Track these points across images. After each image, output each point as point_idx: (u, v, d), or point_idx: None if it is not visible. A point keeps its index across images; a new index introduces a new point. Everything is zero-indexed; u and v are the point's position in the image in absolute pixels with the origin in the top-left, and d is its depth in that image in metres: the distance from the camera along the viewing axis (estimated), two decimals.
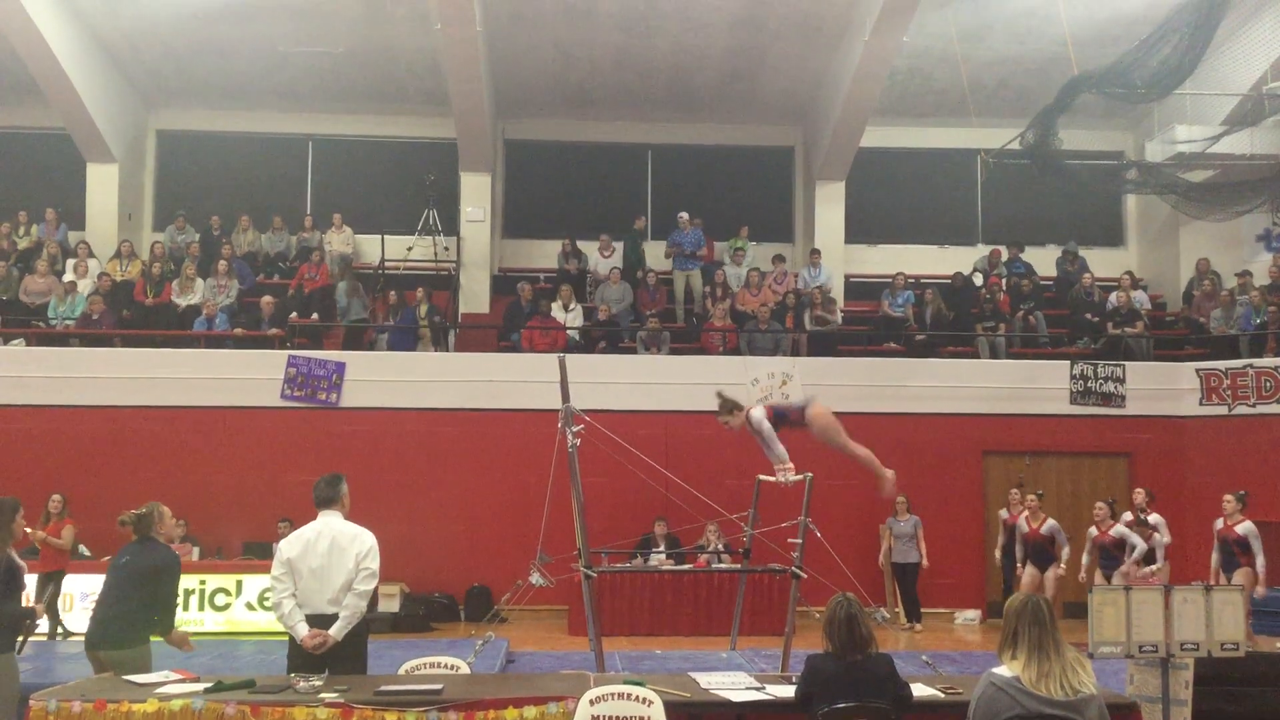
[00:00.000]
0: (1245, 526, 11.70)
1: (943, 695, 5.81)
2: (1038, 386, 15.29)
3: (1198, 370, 15.37)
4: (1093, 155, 17.58)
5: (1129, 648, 6.25)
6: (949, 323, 16.49)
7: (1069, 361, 15.50)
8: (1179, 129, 16.08)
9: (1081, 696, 4.54)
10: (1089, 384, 15.30)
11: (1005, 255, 17.79)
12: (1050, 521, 12.75)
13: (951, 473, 15.04)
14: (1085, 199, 18.00)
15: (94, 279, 16.19)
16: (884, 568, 14.27)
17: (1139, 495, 12.93)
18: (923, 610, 14.12)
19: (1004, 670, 4.65)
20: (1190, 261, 17.44)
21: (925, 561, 14.06)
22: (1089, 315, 16.53)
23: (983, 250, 18.28)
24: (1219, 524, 11.97)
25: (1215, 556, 11.98)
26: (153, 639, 6.62)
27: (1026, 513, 12.93)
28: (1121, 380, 15.31)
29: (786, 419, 8.64)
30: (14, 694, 6.15)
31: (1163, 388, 15.42)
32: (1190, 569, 13.59)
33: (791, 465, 8.58)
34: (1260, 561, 11.59)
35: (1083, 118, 15.92)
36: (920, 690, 5.75)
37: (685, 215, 17.44)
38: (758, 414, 8.56)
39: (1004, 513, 13.92)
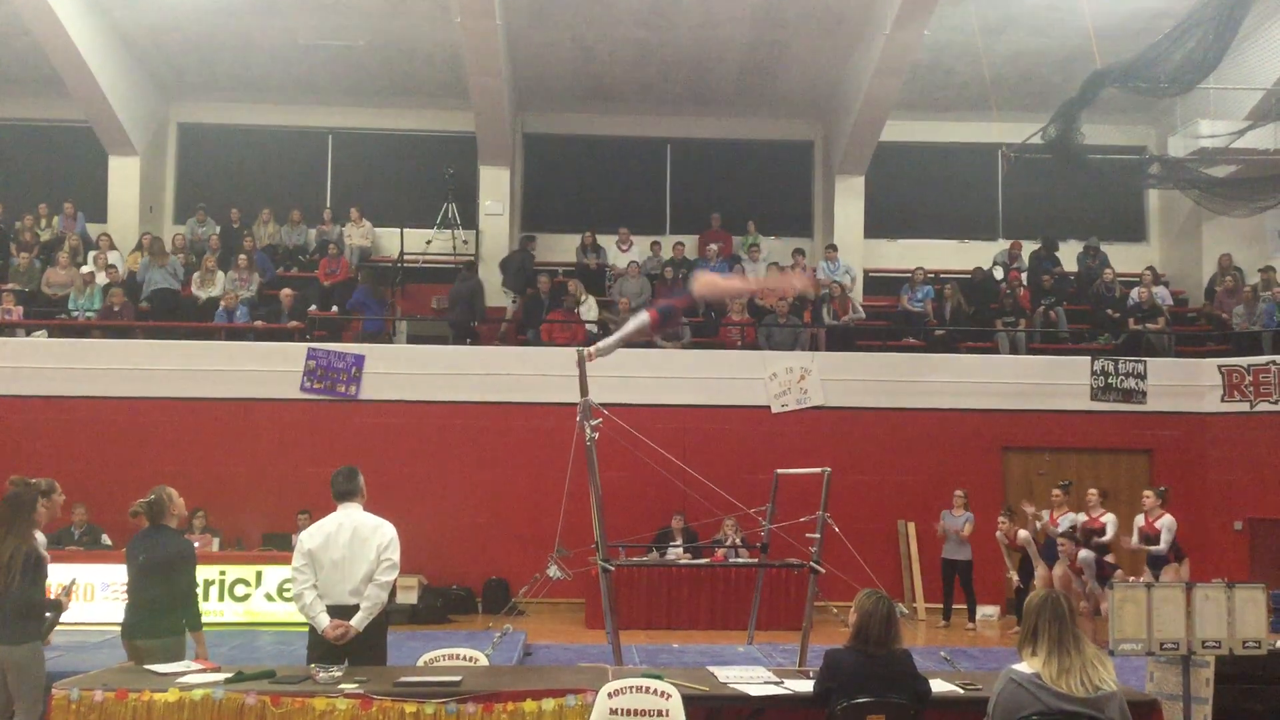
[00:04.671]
0: (1164, 521, 11.51)
1: (962, 691, 5.80)
2: (1058, 382, 15.22)
3: (1220, 367, 15.28)
4: (1115, 150, 17.43)
5: (1150, 645, 6.21)
6: (968, 318, 16.41)
7: (1090, 357, 15.41)
8: (1202, 124, 15.94)
9: (1102, 693, 4.53)
10: (1110, 380, 15.22)
11: (1033, 250, 17.68)
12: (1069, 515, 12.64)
13: (971, 469, 14.95)
14: (1107, 194, 17.89)
15: (112, 270, 16.26)
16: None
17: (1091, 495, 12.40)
18: (943, 606, 14.03)
19: (1024, 667, 4.64)
20: (1213, 257, 17.31)
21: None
22: (1110, 311, 16.42)
23: (1003, 245, 18.19)
24: (1139, 520, 11.79)
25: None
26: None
27: (1047, 511, 12.81)
28: (1143, 376, 15.23)
29: (673, 312, 8.52)
30: (40, 682, 6.20)
31: (1184, 384, 15.33)
32: (1211, 567, 13.51)
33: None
34: (1160, 549, 11.38)
35: (1105, 112, 15.79)
36: (939, 686, 5.75)
37: (715, 246, 17.40)
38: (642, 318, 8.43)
39: (1003, 541, 13.34)
